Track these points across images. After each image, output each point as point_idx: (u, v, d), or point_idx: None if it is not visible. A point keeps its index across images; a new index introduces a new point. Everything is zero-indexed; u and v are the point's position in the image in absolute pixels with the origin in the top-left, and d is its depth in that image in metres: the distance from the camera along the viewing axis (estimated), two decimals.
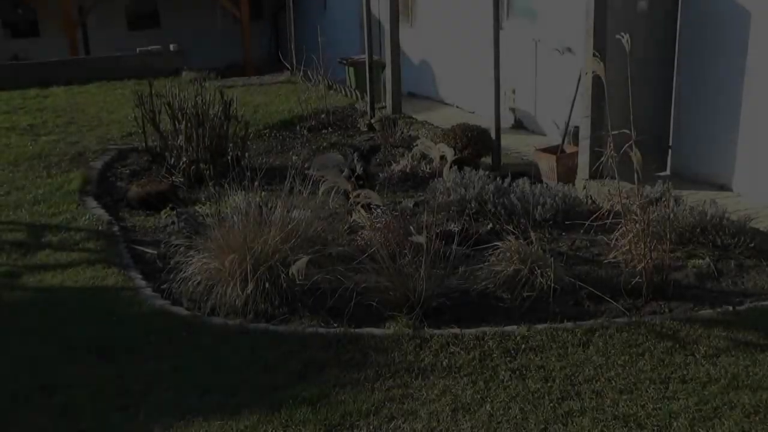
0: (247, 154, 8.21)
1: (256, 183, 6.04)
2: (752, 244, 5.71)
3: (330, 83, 12.34)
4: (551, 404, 3.97)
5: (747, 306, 4.93)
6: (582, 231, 6.16)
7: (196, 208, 7.10)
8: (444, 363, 4.39)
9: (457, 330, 4.74)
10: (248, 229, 5.40)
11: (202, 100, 8.29)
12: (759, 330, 4.58)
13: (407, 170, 8.11)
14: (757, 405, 3.87)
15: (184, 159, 8.09)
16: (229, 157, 7.96)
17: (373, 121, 10.42)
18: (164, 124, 8.60)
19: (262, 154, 9.30)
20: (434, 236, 5.45)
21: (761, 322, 4.67)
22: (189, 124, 8.14)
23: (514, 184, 6.87)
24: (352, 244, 6.09)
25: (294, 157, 8.60)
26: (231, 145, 8.32)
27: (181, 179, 8.05)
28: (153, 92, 8.53)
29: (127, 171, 8.75)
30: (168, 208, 7.10)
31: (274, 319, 5.01)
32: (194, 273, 5.34)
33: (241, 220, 5.52)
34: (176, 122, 8.29)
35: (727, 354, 4.36)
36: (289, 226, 5.48)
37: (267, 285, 5.14)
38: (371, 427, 3.85)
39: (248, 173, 6.09)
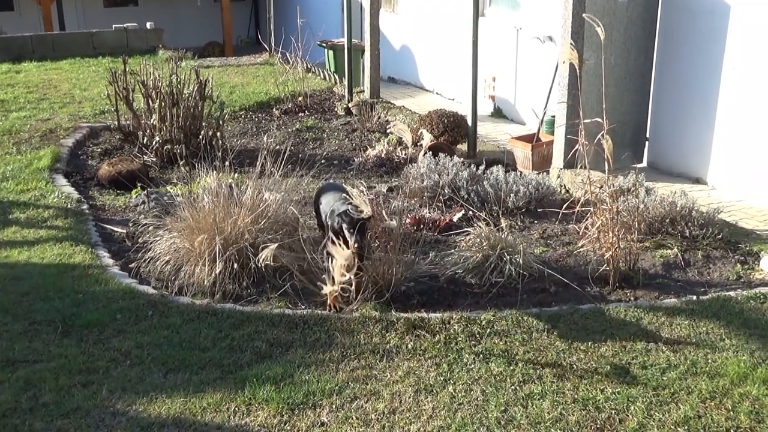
0: (220, 135, 8.26)
1: (227, 163, 6.11)
2: (720, 236, 5.87)
3: (308, 66, 12.38)
4: (513, 387, 4.10)
5: (710, 296, 5.08)
6: (554, 219, 6.32)
7: (168, 188, 7.16)
8: (409, 346, 4.51)
9: (423, 314, 4.86)
10: (218, 209, 5.48)
11: (177, 80, 8.32)
12: (720, 319, 4.73)
13: (382, 155, 8.20)
14: (713, 391, 4.02)
15: (157, 139, 8.13)
16: (203, 138, 8.05)
17: (350, 105, 10.50)
18: (138, 103, 8.63)
19: (236, 135, 9.37)
20: (405, 221, 5.56)
21: (723, 312, 4.82)
22: (163, 104, 8.17)
23: (488, 172, 6.99)
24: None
25: (269, 140, 8.67)
26: (205, 125, 8.36)
27: (154, 159, 8.11)
28: (127, 70, 8.55)
29: (99, 149, 8.78)
30: (138, 188, 7.16)
31: (241, 300, 5.11)
32: (163, 252, 5.42)
33: (212, 201, 5.59)
34: (150, 101, 8.33)
35: (687, 342, 4.51)
36: (260, 208, 5.56)
37: (235, 266, 5.22)
38: (334, 407, 3.96)
39: (221, 154, 6.16)
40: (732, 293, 5.10)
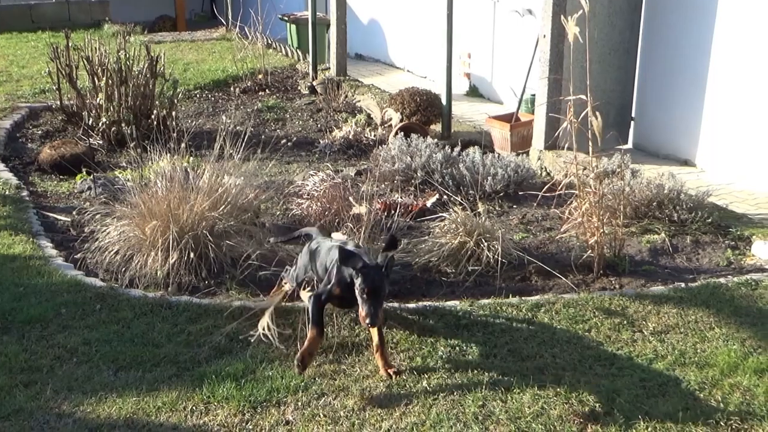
0: (174, 115, 8.20)
1: (182, 146, 6.07)
2: (710, 220, 5.96)
3: (269, 41, 12.33)
4: (491, 381, 4.13)
5: (700, 283, 5.16)
6: (534, 204, 6.37)
7: (116, 173, 7.10)
8: None
9: (395, 304, 4.87)
10: (173, 195, 5.44)
11: (125, 56, 8.25)
12: (710, 307, 4.82)
13: (350, 137, 8.21)
14: (702, 382, 4.09)
15: (104, 119, 8.06)
16: (155, 119, 7.98)
17: (315, 83, 10.48)
18: (82, 81, 8.54)
19: (191, 116, 9.32)
20: (375, 207, 5.57)
21: (712, 299, 4.91)
22: (110, 82, 8.10)
23: (464, 154, 7.03)
24: (287, 213, 6.21)
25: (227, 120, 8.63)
26: (157, 105, 8.30)
27: (100, 142, 8.05)
28: (70, 45, 8.46)
29: (39, 132, 8.69)
30: (84, 173, 7.09)
31: (198, 292, 5.08)
32: (112, 242, 5.37)
33: (165, 186, 5.55)
34: (96, 79, 8.26)
35: (675, 331, 4.59)
36: (218, 192, 5.53)
37: (192, 255, 5.19)
38: (299, 404, 3.96)
39: (175, 136, 6.11)
40: (722, 280, 5.19)
